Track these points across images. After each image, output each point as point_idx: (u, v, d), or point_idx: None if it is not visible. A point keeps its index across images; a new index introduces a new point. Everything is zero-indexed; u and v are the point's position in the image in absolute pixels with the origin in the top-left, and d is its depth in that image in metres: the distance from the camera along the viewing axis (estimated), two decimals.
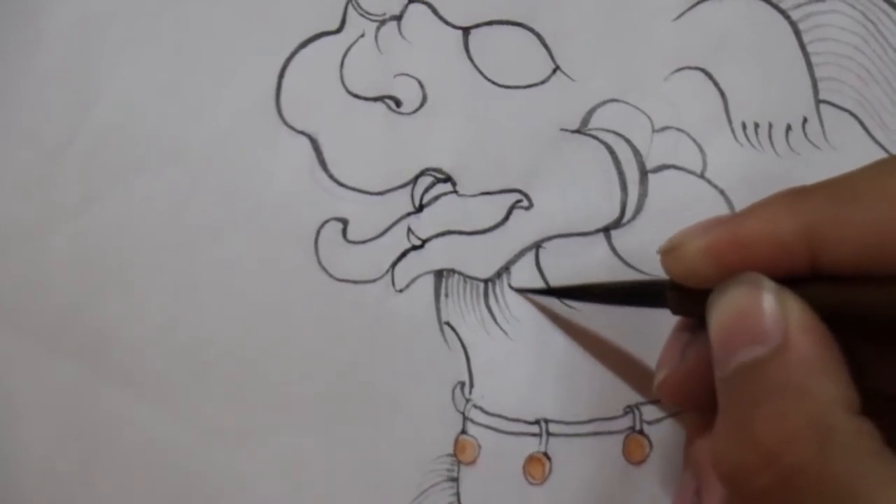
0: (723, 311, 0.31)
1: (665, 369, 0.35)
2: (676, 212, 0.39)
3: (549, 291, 0.39)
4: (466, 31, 0.40)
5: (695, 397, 0.34)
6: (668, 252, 0.33)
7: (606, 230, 0.40)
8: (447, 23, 0.40)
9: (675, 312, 0.35)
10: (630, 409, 0.39)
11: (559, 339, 0.40)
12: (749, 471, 0.28)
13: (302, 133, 0.40)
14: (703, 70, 0.40)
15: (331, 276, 0.40)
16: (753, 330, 0.29)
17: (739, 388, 0.29)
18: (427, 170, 0.40)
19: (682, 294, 0.33)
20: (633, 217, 0.40)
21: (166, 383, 0.40)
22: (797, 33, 0.40)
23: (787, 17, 0.40)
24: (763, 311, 0.30)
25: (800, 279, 0.30)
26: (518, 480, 0.39)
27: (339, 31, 0.40)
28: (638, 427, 0.39)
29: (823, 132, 0.40)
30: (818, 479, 0.27)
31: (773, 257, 0.31)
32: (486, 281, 0.40)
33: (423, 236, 0.40)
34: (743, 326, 0.30)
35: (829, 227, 0.30)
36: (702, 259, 0.32)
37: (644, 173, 0.40)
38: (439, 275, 0.40)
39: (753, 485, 0.28)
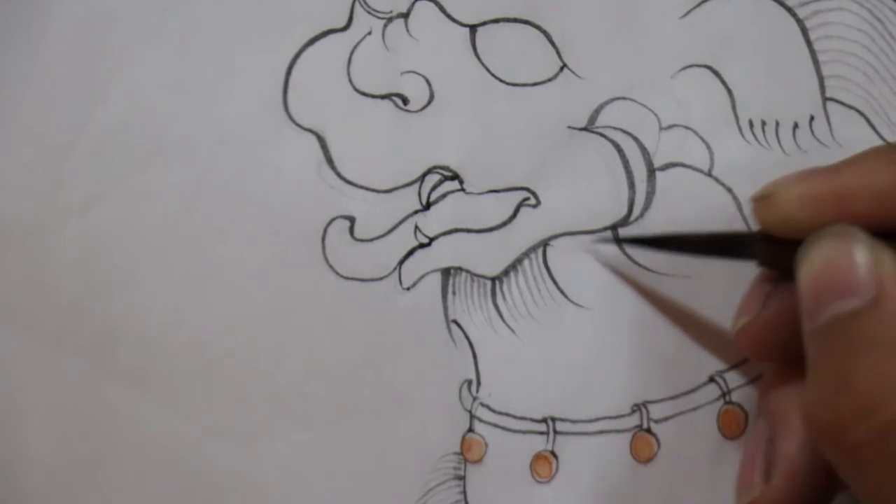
0: (814, 261, 0.31)
1: (745, 317, 0.35)
2: (684, 209, 0.39)
3: (635, 240, 0.39)
4: (473, 28, 0.40)
5: (773, 347, 0.35)
6: (762, 199, 0.33)
7: (614, 228, 0.40)
8: (454, 20, 0.40)
9: (762, 264, 0.34)
10: (637, 408, 0.39)
11: (566, 338, 0.40)
12: (846, 423, 0.28)
13: (309, 131, 0.40)
14: (710, 68, 0.40)
15: (338, 273, 0.40)
16: (846, 282, 0.29)
17: (833, 341, 0.29)
18: (434, 168, 0.40)
19: (772, 245, 0.33)
20: (641, 215, 0.40)
21: (172, 382, 0.40)
22: (804, 31, 0.40)
23: (794, 15, 0.40)
24: (856, 263, 0.30)
25: (894, 233, 0.30)
26: (525, 479, 0.39)
27: (346, 28, 0.40)
28: (646, 425, 0.39)
29: (830, 130, 0.40)
30: None
31: (868, 210, 0.31)
32: (493, 279, 0.40)
33: (431, 234, 0.40)
34: (835, 278, 0.30)
35: None
36: (797, 207, 0.32)
37: (651, 171, 0.40)
38: (446, 273, 0.40)
39: (850, 437, 0.28)
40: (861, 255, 0.30)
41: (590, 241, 0.40)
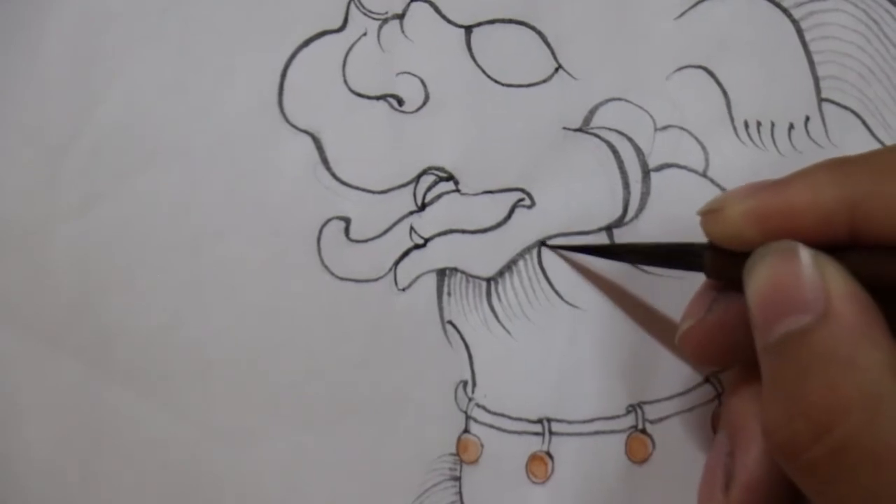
0: (761, 277, 0.31)
1: (690, 320, 0.35)
2: (679, 210, 0.39)
3: (584, 249, 0.39)
4: (469, 29, 0.40)
5: (716, 352, 0.35)
6: (710, 214, 0.33)
7: (609, 229, 0.40)
8: (449, 21, 0.40)
9: (710, 276, 0.35)
10: (633, 408, 0.39)
11: (561, 338, 0.40)
12: (801, 442, 0.29)
13: (304, 132, 0.40)
14: (705, 69, 0.40)
15: (333, 274, 0.40)
16: (794, 298, 0.30)
17: (786, 359, 0.30)
18: (429, 168, 0.40)
19: (720, 256, 0.33)
20: (636, 216, 0.40)
21: (169, 382, 0.40)
22: (799, 32, 0.40)
23: (789, 16, 0.40)
24: (803, 278, 0.30)
25: (840, 248, 0.31)
26: (520, 480, 0.39)
27: (341, 29, 0.40)
28: (641, 426, 0.39)
29: (826, 131, 0.40)
30: (869, 450, 0.28)
31: (814, 226, 0.31)
32: (488, 279, 0.40)
33: (426, 235, 0.40)
34: (783, 295, 0.30)
35: (871, 198, 0.30)
36: (743, 223, 0.32)
37: (646, 172, 0.40)
38: (442, 273, 0.40)
39: (806, 456, 0.29)
40: (807, 270, 0.30)
41: (547, 244, 0.40)
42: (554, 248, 0.40)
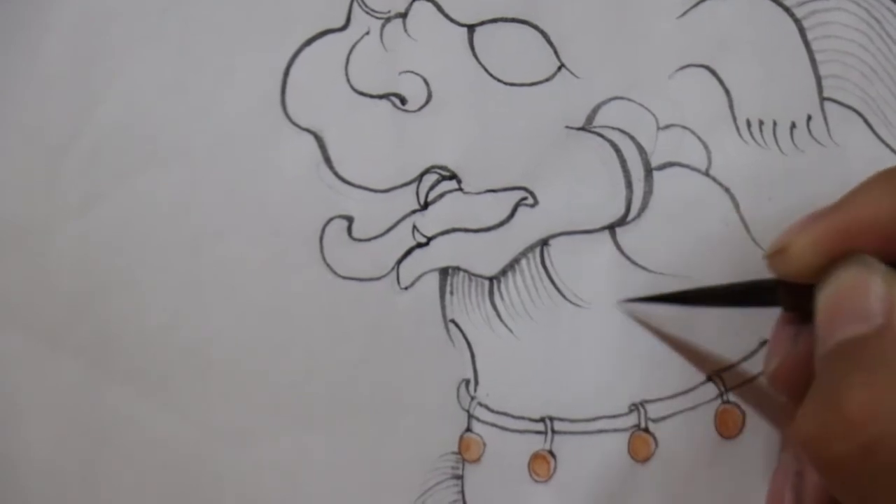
0: (827, 293, 0.31)
1: (777, 358, 0.35)
2: (681, 209, 0.39)
3: (662, 299, 0.39)
4: (471, 28, 0.40)
5: (803, 385, 0.34)
6: (776, 255, 0.33)
7: (611, 227, 0.40)
8: (452, 20, 0.40)
9: (787, 309, 0.35)
10: (635, 407, 0.39)
11: (564, 337, 0.40)
12: (830, 437, 0.29)
13: (307, 131, 0.40)
14: (707, 67, 0.40)
15: (336, 273, 0.40)
16: (858, 309, 0.30)
17: (833, 363, 0.30)
18: (432, 167, 0.40)
19: (793, 290, 0.34)
20: (638, 214, 0.40)
21: (170, 382, 0.40)
22: (801, 31, 0.40)
23: (792, 15, 0.40)
24: (870, 290, 0.30)
25: None
26: (523, 478, 0.39)
27: (344, 28, 0.40)
28: (643, 425, 0.39)
29: (828, 130, 0.40)
30: None
31: (879, 241, 0.31)
32: (491, 278, 0.40)
33: (429, 234, 0.40)
34: (848, 305, 0.30)
35: None
36: (810, 256, 0.32)
37: (649, 171, 0.40)
38: (444, 272, 0.40)
39: (832, 450, 0.28)
40: (875, 282, 0.30)
41: (617, 304, 0.40)
42: (632, 301, 0.39)
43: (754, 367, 0.39)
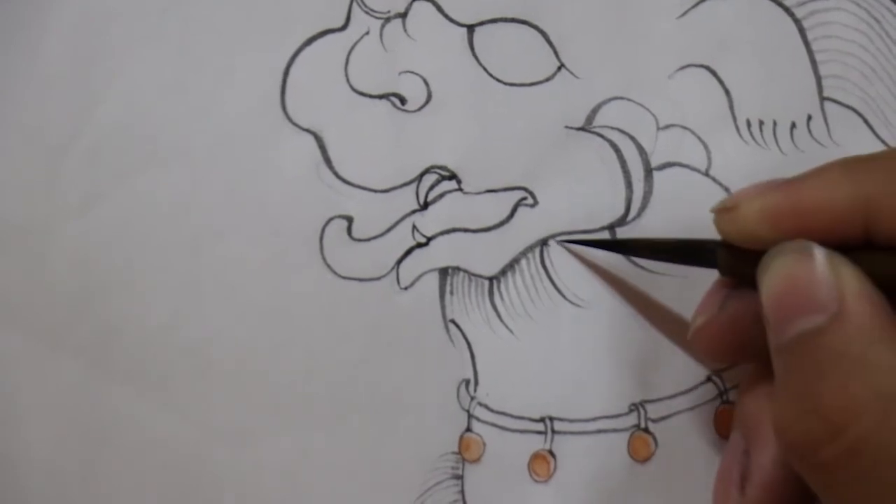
0: (776, 276, 0.31)
1: (703, 316, 0.35)
2: (681, 209, 0.39)
3: (593, 243, 0.39)
4: (471, 28, 0.40)
5: (729, 349, 0.35)
6: (723, 212, 0.33)
7: (611, 227, 0.40)
8: (452, 20, 0.40)
9: (723, 273, 0.35)
10: (635, 407, 0.39)
11: (564, 337, 0.40)
12: (815, 442, 0.29)
13: (307, 131, 0.40)
14: (707, 68, 0.40)
15: (336, 273, 0.40)
16: (808, 298, 0.30)
17: (799, 358, 0.30)
18: (432, 167, 0.40)
19: (734, 254, 0.34)
20: (638, 214, 0.40)
21: (170, 382, 0.40)
22: (801, 31, 0.40)
23: (792, 15, 0.40)
24: (817, 278, 0.30)
25: (854, 248, 0.31)
26: (523, 478, 0.39)
27: (343, 28, 0.40)
28: (643, 425, 0.39)
29: (828, 130, 0.40)
30: (883, 450, 0.28)
31: (828, 225, 0.31)
32: (490, 278, 0.40)
33: (428, 234, 0.40)
34: (797, 294, 0.30)
35: (886, 198, 0.30)
36: (757, 222, 0.32)
37: (649, 171, 0.40)
38: (444, 272, 0.40)
39: (820, 456, 0.29)
40: (821, 270, 0.30)
41: (559, 241, 0.40)
42: (563, 242, 0.40)
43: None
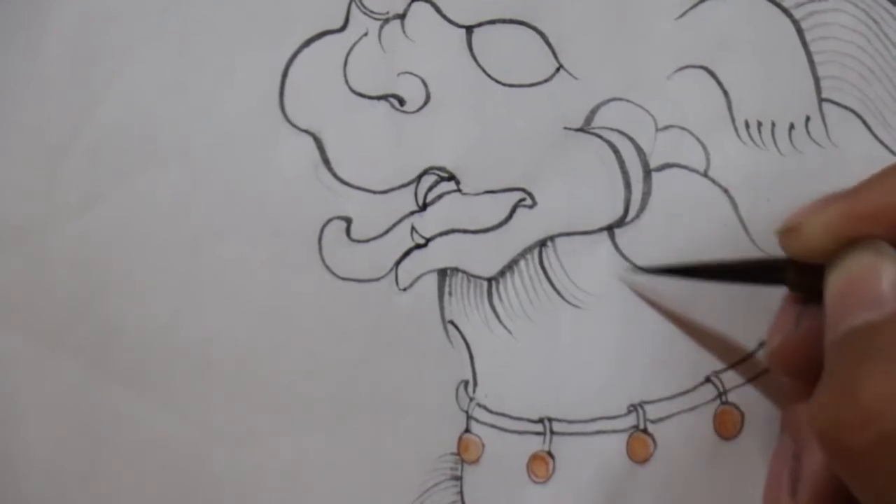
0: (840, 275, 0.31)
1: (779, 336, 0.35)
2: (680, 210, 0.39)
3: (668, 271, 0.39)
4: (470, 29, 0.40)
5: (805, 366, 0.34)
6: (788, 232, 0.33)
7: (610, 228, 0.40)
8: (450, 21, 0.40)
9: (793, 289, 0.35)
10: (634, 408, 0.39)
11: (562, 338, 0.40)
12: (846, 428, 0.28)
13: (305, 132, 0.40)
14: (706, 68, 0.40)
15: (334, 274, 0.40)
16: (870, 295, 0.30)
17: (847, 349, 0.30)
18: (430, 168, 0.40)
19: (801, 270, 0.34)
20: (637, 215, 0.40)
21: (170, 382, 0.40)
22: (799, 32, 0.40)
23: (790, 16, 0.40)
24: (881, 276, 0.30)
25: None
26: (522, 479, 0.40)
27: (342, 29, 0.40)
28: (642, 426, 0.39)
29: (826, 130, 0.40)
30: None
31: (892, 230, 0.31)
32: (489, 279, 0.40)
33: (427, 235, 0.40)
34: (859, 291, 0.30)
35: None
36: (823, 236, 0.32)
37: (647, 172, 0.40)
38: (443, 273, 0.40)
39: (849, 442, 0.28)
40: (888, 268, 0.30)
41: (624, 272, 0.40)
42: (641, 270, 0.39)
43: (754, 367, 0.39)
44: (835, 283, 0.31)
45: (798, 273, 0.34)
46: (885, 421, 0.28)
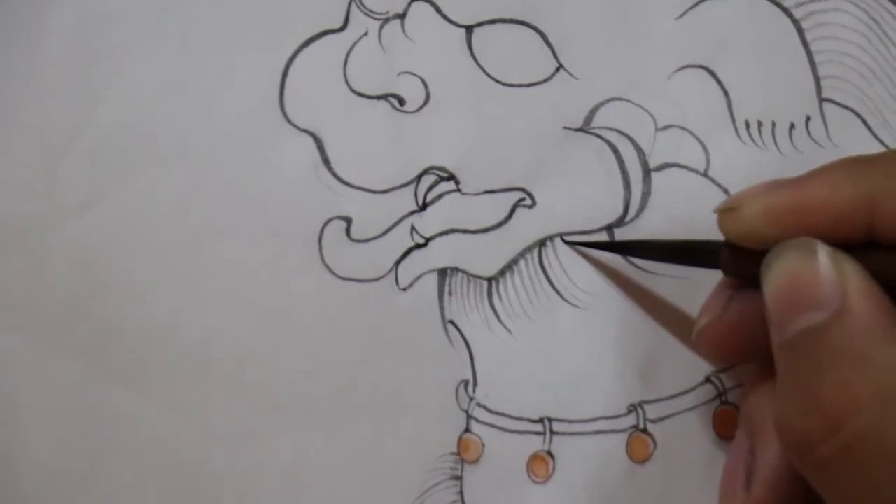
0: (779, 274, 0.31)
1: (707, 317, 0.35)
2: (680, 210, 0.39)
3: (598, 245, 0.39)
4: (469, 29, 0.40)
5: (733, 350, 0.35)
6: (727, 212, 0.33)
7: (610, 228, 0.40)
8: (450, 21, 0.40)
9: (727, 273, 0.35)
10: (634, 408, 0.39)
11: (562, 338, 0.40)
12: (814, 438, 0.29)
13: (305, 131, 0.40)
14: (706, 68, 0.40)
15: (334, 274, 0.40)
16: (811, 295, 0.30)
17: (801, 355, 0.30)
18: (430, 168, 0.40)
19: (737, 254, 0.34)
20: (637, 215, 0.40)
21: (170, 382, 0.40)
22: (800, 31, 0.40)
23: (790, 16, 0.40)
24: (820, 275, 0.30)
25: (856, 246, 0.31)
26: (521, 479, 0.39)
27: (342, 29, 0.40)
28: (642, 426, 0.39)
29: (826, 130, 0.40)
30: (881, 446, 0.28)
31: (832, 224, 0.31)
32: (489, 279, 0.40)
33: (427, 235, 0.40)
34: (800, 291, 0.30)
35: (889, 197, 0.30)
36: (760, 221, 0.32)
37: (647, 171, 0.40)
38: (443, 273, 0.40)
39: (818, 452, 0.29)
40: (824, 267, 0.30)
41: (565, 239, 0.40)
42: (569, 243, 0.40)
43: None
44: (773, 282, 0.31)
45: (732, 256, 0.34)
46: (851, 426, 0.28)
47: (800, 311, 0.30)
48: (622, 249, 0.39)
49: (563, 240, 0.40)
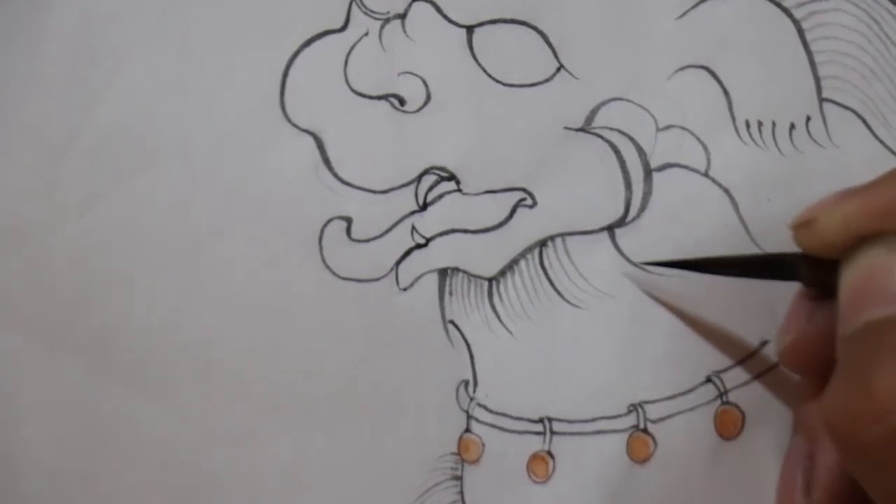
0: (854, 271, 0.31)
1: (791, 334, 0.35)
2: (680, 210, 0.39)
3: (676, 264, 0.39)
4: (470, 29, 0.40)
5: (818, 364, 0.34)
6: (803, 226, 0.33)
7: (610, 228, 0.40)
8: (451, 21, 0.40)
9: (807, 284, 0.35)
10: (634, 408, 0.39)
11: (563, 338, 0.40)
12: (859, 423, 0.28)
13: (306, 131, 0.40)
14: (706, 68, 0.40)
15: (335, 274, 0.40)
16: (884, 290, 0.30)
17: (862, 345, 0.30)
18: (431, 168, 0.40)
19: (815, 265, 0.33)
20: (638, 215, 0.40)
21: (170, 382, 0.40)
22: (800, 31, 0.40)
23: (791, 16, 0.40)
24: (895, 272, 0.30)
25: None
26: (522, 479, 0.39)
27: (343, 29, 0.40)
28: (642, 425, 0.39)
29: (827, 130, 0.40)
30: None
31: None
32: (490, 279, 0.40)
33: (427, 235, 0.40)
34: (874, 286, 0.30)
35: None
36: (837, 231, 0.32)
37: (648, 171, 0.40)
38: (443, 273, 0.40)
39: (861, 437, 0.28)
40: None
41: (628, 268, 0.40)
42: (649, 265, 0.39)
43: (756, 366, 0.39)
44: (849, 278, 0.31)
45: (811, 268, 0.34)
46: (894, 419, 0.28)
47: (871, 306, 0.30)
48: (697, 267, 0.38)
49: (639, 264, 0.39)
